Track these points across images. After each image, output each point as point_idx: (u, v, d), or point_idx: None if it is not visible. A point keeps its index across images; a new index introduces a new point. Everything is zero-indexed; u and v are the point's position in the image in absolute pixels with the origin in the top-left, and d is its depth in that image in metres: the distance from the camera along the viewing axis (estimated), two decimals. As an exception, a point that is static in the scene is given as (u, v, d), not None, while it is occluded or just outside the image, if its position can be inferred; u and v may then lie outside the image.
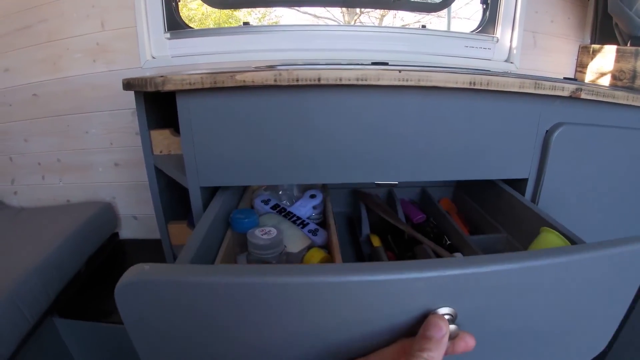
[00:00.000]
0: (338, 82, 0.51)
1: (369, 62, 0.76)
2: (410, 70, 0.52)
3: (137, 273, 0.31)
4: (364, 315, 0.30)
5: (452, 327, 0.31)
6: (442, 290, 0.31)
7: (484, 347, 0.38)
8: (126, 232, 1.50)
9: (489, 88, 0.56)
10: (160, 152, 0.75)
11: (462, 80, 0.54)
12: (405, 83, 0.52)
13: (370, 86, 0.52)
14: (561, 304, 0.41)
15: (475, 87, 0.56)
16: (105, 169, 1.41)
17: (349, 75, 0.50)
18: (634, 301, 0.86)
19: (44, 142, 1.40)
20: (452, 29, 1.73)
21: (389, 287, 0.29)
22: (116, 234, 1.48)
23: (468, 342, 0.32)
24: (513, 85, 0.58)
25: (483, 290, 0.33)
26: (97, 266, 1.31)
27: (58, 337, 1.12)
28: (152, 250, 1.35)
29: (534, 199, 0.71)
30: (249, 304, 0.30)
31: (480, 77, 0.56)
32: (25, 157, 1.43)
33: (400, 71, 0.51)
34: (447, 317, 0.32)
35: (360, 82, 0.51)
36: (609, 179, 0.73)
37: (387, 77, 0.51)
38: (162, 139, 0.74)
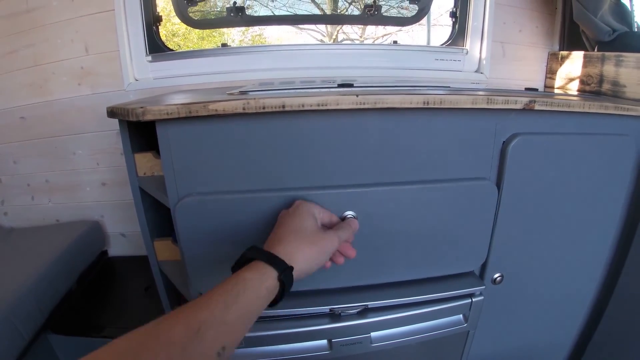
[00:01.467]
0: (301, 108, 0.55)
1: (336, 85, 0.80)
2: (367, 94, 0.57)
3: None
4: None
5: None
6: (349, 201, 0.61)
7: (382, 240, 0.67)
8: (115, 249, 1.53)
9: (443, 106, 0.61)
10: (144, 174, 0.79)
11: (416, 101, 0.59)
12: (363, 106, 0.57)
13: (331, 110, 0.57)
14: (435, 218, 0.68)
15: (429, 106, 0.60)
16: (92, 188, 1.44)
17: (310, 102, 0.55)
18: (609, 293, 0.91)
19: (33, 164, 1.44)
20: (432, 36, 1.80)
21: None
22: (105, 252, 1.51)
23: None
24: (466, 103, 0.63)
25: (373, 202, 0.64)
26: (88, 283, 1.34)
27: (52, 352, 1.15)
28: (141, 267, 1.39)
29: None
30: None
31: (433, 97, 0.60)
32: (15, 178, 1.46)
33: (357, 95, 0.56)
34: (350, 216, 0.64)
35: (321, 108, 0.56)
36: (567, 182, 0.78)
37: (346, 102, 0.56)
38: (145, 161, 0.78)
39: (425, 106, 0.60)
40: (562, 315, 0.97)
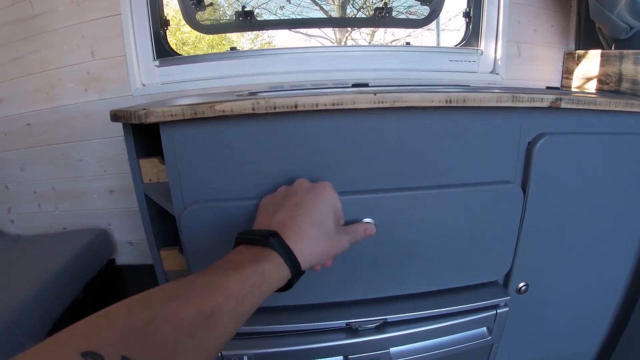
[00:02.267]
0: (314, 108, 0.52)
1: (350, 85, 0.77)
2: (385, 92, 0.53)
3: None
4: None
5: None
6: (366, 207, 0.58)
7: (401, 249, 0.63)
8: (123, 257, 1.50)
9: (466, 105, 0.57)
10: (150, 180, 0.76)
11: (437, 99, 0.55)
12: (381, 105, 0.53)
13: (347, 110, 0.53)
14: (457, 224, 0.64)
15: (452, 104, 0.56)
16: (99, 196, 1.42)
17: (324, 101, 0.51)
18: (633, 303, 0.87)
19: (39, 171, 1.42)
20: (441, 41, 1.76)
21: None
22: (113, 260, 1.48)
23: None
24: (490, 101, 0.59)
25: (392, 208, 0.60)
26: (95, 292, 1.31)
27: (57, 365, 1.11)
28: (149, 276, 1.35)
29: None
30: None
31: (456, 95, 0.56)
32: (21, 185, 1.45)
33: (375, 94, 0.52)
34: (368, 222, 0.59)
35: (336, 107, 0.52)
36: (594, 184, 0.74)
37: (363, 101, 0.52)
38: (150, 167, 0.75)
39: (447, 105, 0.56)
40: (585, 325, 0.92)
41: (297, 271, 0.44)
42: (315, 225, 0.47)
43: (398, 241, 0.63)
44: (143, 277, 1.39)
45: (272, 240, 0.43)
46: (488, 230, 0.67)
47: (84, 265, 1.26)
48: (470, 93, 0.58)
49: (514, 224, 0.68)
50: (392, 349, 0.67)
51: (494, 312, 0.70)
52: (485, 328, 0.72)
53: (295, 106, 0.51)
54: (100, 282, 1.36)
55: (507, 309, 0.71)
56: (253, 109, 0.51)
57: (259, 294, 0.39)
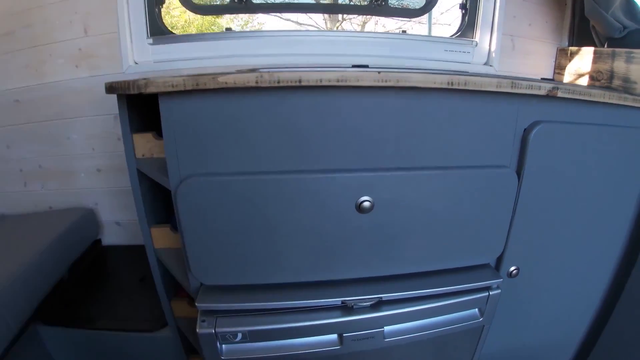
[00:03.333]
0: (318, 84, 0.51)
1: (350, 66, 0.76)
2: (389, 71, 0.53)
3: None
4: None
5: None
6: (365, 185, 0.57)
7: (397, 228, 0.64)
8: (109, 238, 1.48)
9: (467, 88, 0.58)
10: (143, 155, 0.75)
11: (440, 81, 0.56)
12: (384, 84, 0.53)
13: (350, 87, 0.53)
14: (453, 205, 0.65)
15: (454, 87, 0.57)
16: (87, 174, 1.39)
17: (329, 77, 0.51)
18: (620, 288, 0.89)
19: (26, 149, 1.38)
20: (433, 35, 1.76)
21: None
22: (99, 241, 1.46)
23: None
24: (490, 85, 0.60)
25: (390, 188, 0.60)
26: (80, 273, 1.29)
27: (42, 345, 1.10)
28: (136, 256, 1.34)
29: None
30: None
31: (458, 78, 0.57)
32: (7, 163, 1.40)
33: (379, 72, 0.52)
34: (367, 203, 0.60)
35: (340, 84, 0.52)
36: (586, 173, 0.76)
37: (367, 78, 0.52)
38: (144, 142, 0.74)
39: (449, 87, 0.56)
40: (573, 309, 0.95)
41: None
42: None
43: (394, 220, 0.63)
44: (130, 258, 1.38)
45: None
46: (482, 213, 0.68)
47: (69, 246, 1.24)
48: (472, 77, 0.58)
49: (508, 208, 0.70)
50: (387, 328, 0.68)
51: (487, 293, 0.71)
52: (477, 309, 0.74)
53: (300, 81, 0.51)
54: (86, 263, 1.33)
55: (498, 291, 0.72)
56: (257, 82, 0.51)
57: None
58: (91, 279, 1.28)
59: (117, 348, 1.11)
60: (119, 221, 1.45)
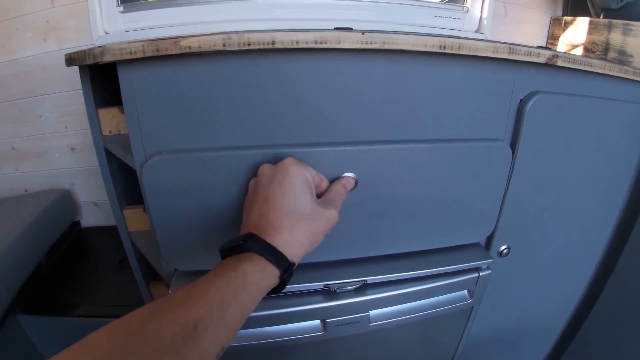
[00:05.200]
0: (294, 46, 0.46)
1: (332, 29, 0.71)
2: (375, 32, 0.48)
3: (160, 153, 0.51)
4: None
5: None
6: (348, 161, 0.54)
7: (382, 205, 0.60)
8: (87, 219, 1.43)
9: (461, 52, 0.52)
10: (110, 132, 0.69)
11: (431, 44, 0.50)
12: (369, 46, 0.47)
13: (330, 50, 0.47)
14: (442, 181, 0.61)
15: (446, 51, 0.51)
16: (61, 154, 1.33)
17: (306, 38, 0.45)
18: (610, 268, 0.88)
19: (-2, 130, 1.31)
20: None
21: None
22: (77, 222, 1.41)
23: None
24: (486, 50, 0.54)
25: (375, 162, 0.56)
26: (59, 257, 1.24)
27: (23, 334, 1.07)
28: (115, 238, 1.29)
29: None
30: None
31: (451, 41, 0.51)
32: (-21, 146, 1.33)
33: (363, 33, 0.47)
34: (349, 176, 0.55)
35: (319, 46, 0.46)
36: (582, 148, 0.72)
37: (349, 40, 0.47)
38: (110, 117, 0.68)
39: (441, 50, 0.51)
40: (562, 288, 0.93)
41: (285, 265, 0.41)
42: (289, 213, 0.43)
43: (380, 198, 0.59)
44: (109, 240, 1.33)
45: (248, 243, 0.40)
46: (474, 189, 0.64)
47: (46, 229, 1.19)
48: (466, 40, 0.53)
49: (501, 184, 0.66)
50: (372, 312, 0.64)
51: (477, 274, 0.68)
52: (466, 291, 0.71)
53: (273, 42, 0.45)
54: (65, 246, 1.29)
55: (489, 271, 0.69)
56: (224, 45, 0.45)
57: (246, 298, 0.37)
58: (70, 262, 1.24)
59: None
60: (97, 202, 1.41)
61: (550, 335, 1.05)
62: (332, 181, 0.54)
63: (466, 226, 0.67)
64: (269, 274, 0.40)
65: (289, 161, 0.47)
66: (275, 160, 0.50)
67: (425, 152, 0.58)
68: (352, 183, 0.54)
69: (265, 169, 0.49)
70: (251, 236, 0.41)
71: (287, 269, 0.41)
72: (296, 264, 0.43)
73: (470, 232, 0.69)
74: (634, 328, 0.92)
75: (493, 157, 0.63)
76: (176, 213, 0.55)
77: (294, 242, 0.42)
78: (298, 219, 0.43)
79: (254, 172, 0.52)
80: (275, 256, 0.40)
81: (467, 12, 1.33)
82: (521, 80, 0.62)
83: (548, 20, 1.47)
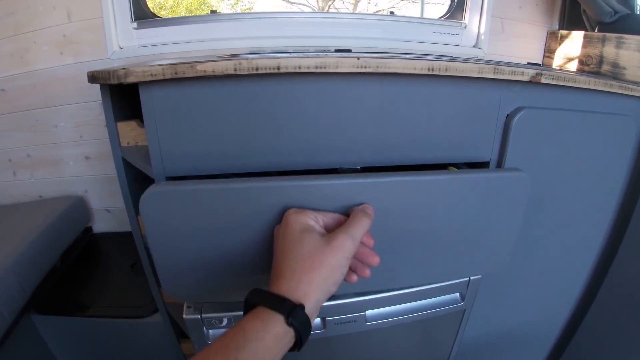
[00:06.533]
0: (297, 70, 0.51)
1: (333, 50, 0.76)
2: (368, 57, 0.53)
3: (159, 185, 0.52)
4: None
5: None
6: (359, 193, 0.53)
7: (394, 242, 0.60)
8: (100, 225, 1.48)
9: (448, 74, 0.58)
10: (128, 143, 0.75)
11: (420, 66, 0.56)
12: (364, 70, 0.53)
13: (329, 74, 0.53)
14: (457, 214, 0.61)
15: (434, 72, 0.57)
16: (76, 162, 1.39)
17: (307, 64, 0.51)
18: (604, 273, 0.91)
19: (14, 138, 1.37)
20: (425, 14, 1.74)
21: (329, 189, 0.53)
22: (90, 228, 1.47)
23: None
24: (472, 71, 0.60)
25: (387, 195, 0.55)
26: (72, 261, 1.30)
27: (37, 334, 1.11)
28: (127, 243, 1.35)
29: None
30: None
31: (438, 63, 0.57)
32: (-4, 154, 1.40)
33: (358, 58, 0.52)
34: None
35: (319, 70, 0.52)
36: (569, 161, 0.76)
37: (346, 65, 0.52)
38: (128, 130, 0.74)
39: (430, 72, 0.56)
40: (556, 292, 0.96)
41: (288, 307, 0.39)
42: (293, 257, 0.43)
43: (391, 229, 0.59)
44: (121, 245, 1.39)
45: (248, 296, 0.41)
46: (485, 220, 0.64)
47: (60, 234, 1.24)
48: (453, 62, 0.58)
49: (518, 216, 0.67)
50: (368, 312, 0.69)
51: (467, 278, 0.73)
52: (458, 294, 0.75)
53: (278, 68, 0.51)
54: (78, 251, 1.34)
55: (479, 276, 0.73)
56: (235, 70, 0.51)
57: (249, 356, 0.36)
58: (83, 266, 1.29)
59: (110, 334, 1.12)
60: (109, 208, 1.46)
61: (545, 341, 1.08)
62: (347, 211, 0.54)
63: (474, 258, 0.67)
64: (272, 323, 0.38)
65: (287, 213, 0.50)
66: (272, 194, 0.52)
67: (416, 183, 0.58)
68: (371, 210, 0.52)
69: (276, 229, 0.51)
70: (253, 291, 0.41)
71: (292, 312, 0.39)
72: (307, 305, 0.40)
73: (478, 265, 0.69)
74: (628, 334, 0.95)
75: (513, 187, 0.63)
76: (174, 244, 0.56)
77: (300, 284, 0.41)
78: (299, 260, 0.43)
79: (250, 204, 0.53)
80: (275, 302, 0.39)
81: (465, 28, 1.38)
82: (507, 97, 0.67)
83: (545, 34, 1.51)
